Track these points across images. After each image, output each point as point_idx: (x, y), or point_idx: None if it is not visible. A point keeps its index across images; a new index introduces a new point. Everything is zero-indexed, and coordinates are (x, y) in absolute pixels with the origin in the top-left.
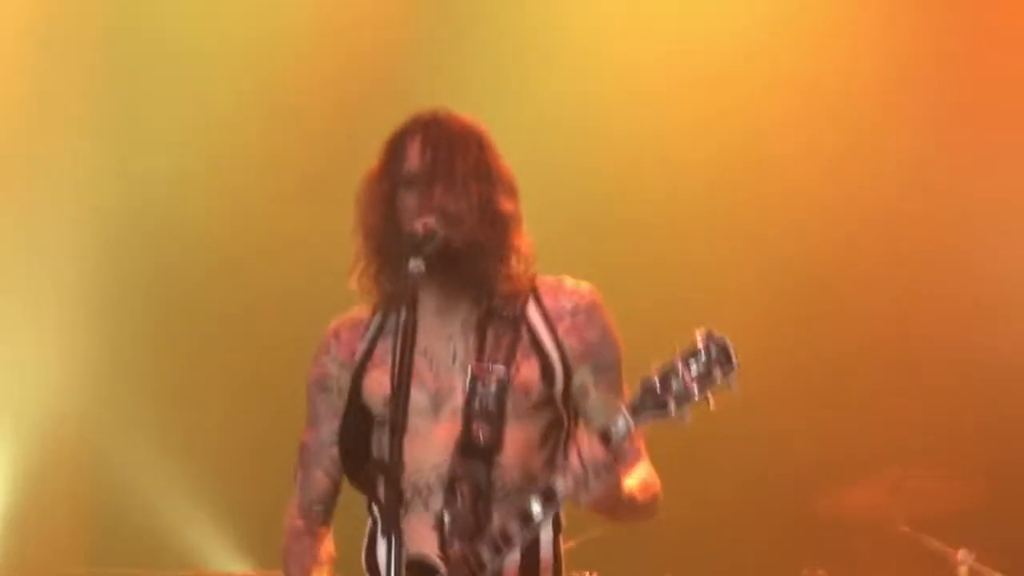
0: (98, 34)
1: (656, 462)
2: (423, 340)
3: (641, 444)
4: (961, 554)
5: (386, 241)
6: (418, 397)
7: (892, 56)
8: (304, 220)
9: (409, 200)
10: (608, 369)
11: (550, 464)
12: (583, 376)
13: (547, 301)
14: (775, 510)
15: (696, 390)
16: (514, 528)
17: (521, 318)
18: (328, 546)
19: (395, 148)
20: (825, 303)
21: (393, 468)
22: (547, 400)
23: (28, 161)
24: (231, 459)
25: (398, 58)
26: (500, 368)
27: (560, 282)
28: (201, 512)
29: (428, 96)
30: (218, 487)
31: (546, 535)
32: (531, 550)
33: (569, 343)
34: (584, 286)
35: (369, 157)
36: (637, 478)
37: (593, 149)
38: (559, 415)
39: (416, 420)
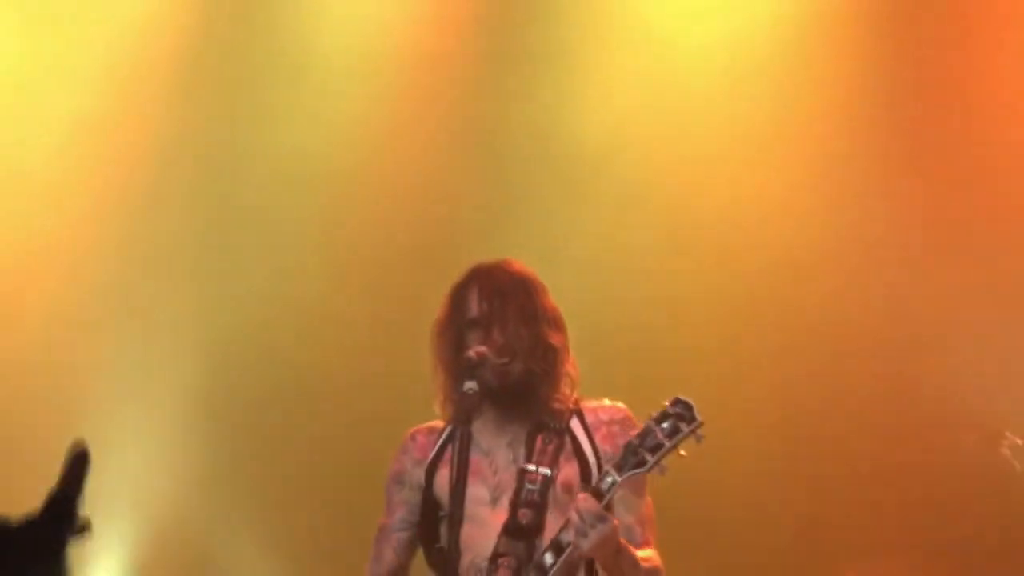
0: (191, 200)
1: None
2: (486, 444)
3: (651, 537)
4: None
5: (456, 371)
6: (480, 491)
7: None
8: (373, 351)
9: (472, 339)
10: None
11: None
12: (614, 474)
13: (588, 416)
14: None
15: (666, 443)
16: None
17: (566, 430)
18: None
19: (458, 298)
20: (819, 420)
21: (451, 554)
22: None
23: (144, 303)
24: (317, 556)
25: (450, 217)
26: (545, 469)
27: (600, 402)
28: None
29: (476, 248)
30: (303, 563)
31: None
32: None
33: (604, 448)
34: (620, 404)
35: (426, 299)
36: (642, 552)
37: (619, 294)
38: None
39: (478, 509)
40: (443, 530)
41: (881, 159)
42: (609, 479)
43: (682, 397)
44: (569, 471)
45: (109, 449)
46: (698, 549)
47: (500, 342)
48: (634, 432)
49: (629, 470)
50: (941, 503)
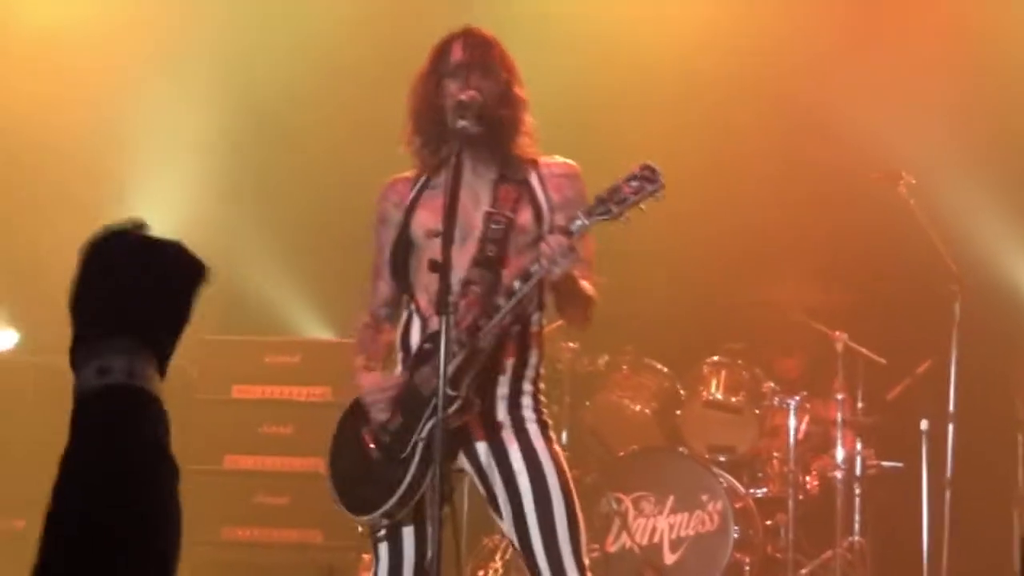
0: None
1: (617, 263)
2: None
3: (588, 273)
4: (839, 335)
5: (433, 120)
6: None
7: None
8: (371, 103)
9: (452, 86)
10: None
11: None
12: (583, 219)
13: (543, 170)
14: (709, 298)
15: (632, 199)
16: (501, 302)
17: (525, 181)
18: (389, 337)
19: (441, 50)
20: (752, 159)
21: (446, 267)
22: (536, 237)
23: (182, 58)
24: (322, 257)
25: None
26: (508, 214)
27: (554, 158)
28: (300, 296)
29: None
30: (311, 276)
31: (535, 315)
32: (524, 324)
33: (553, 197)
34: (570, 161)
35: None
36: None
37: None
38: None
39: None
40: (414, 261)
41: None
42: (579, 222)
43: (649, 162)
44: (526, 216)
45: (158, 170)
46: (661, 269)
47: (480, 85)
48: (580, 185)
49: (597, 216)
50: (845, 231)
